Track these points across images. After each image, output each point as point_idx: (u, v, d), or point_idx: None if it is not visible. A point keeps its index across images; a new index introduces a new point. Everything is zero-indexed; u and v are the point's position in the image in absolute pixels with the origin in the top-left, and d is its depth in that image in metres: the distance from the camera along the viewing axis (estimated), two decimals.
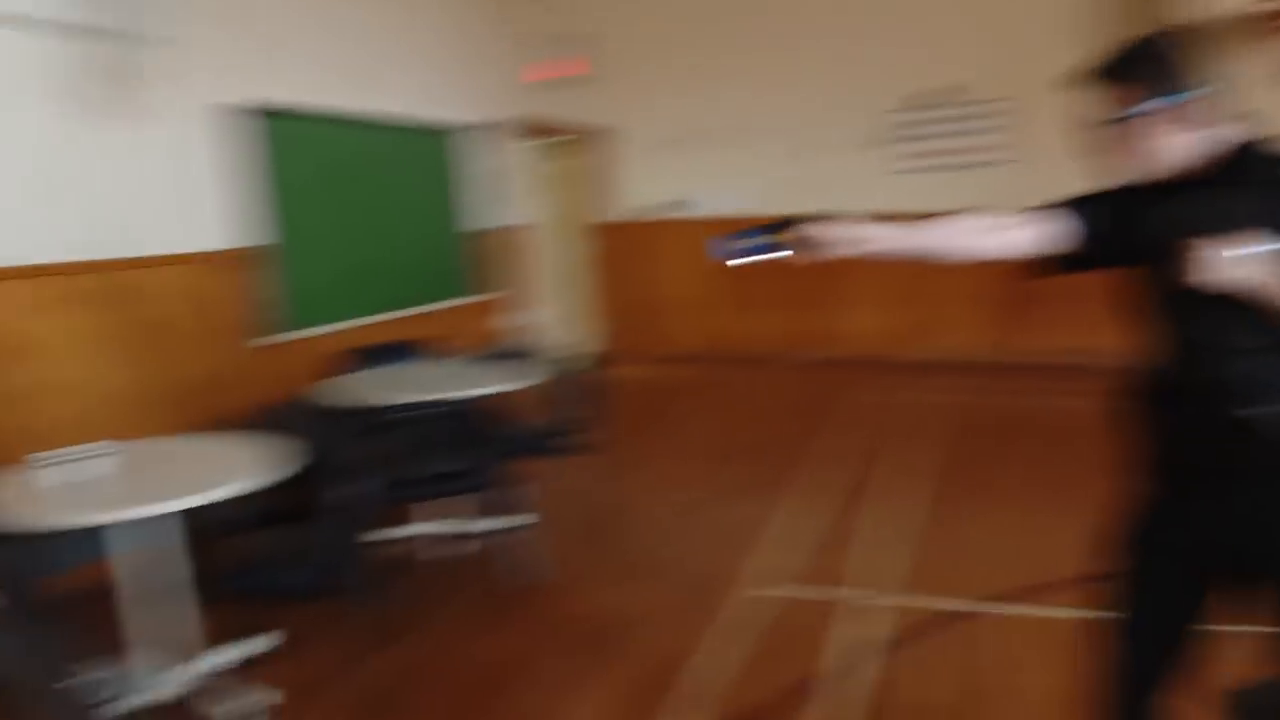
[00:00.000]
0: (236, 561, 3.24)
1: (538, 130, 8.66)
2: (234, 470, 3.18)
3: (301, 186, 5.79)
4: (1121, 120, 1.98)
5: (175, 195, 4.99)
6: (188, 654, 3.30)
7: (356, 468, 3.12)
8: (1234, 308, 1.89)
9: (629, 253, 9.76)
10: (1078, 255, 2.11)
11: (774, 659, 3.44)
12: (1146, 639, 2.23)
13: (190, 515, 3.15)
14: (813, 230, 2.06)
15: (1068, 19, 7.45)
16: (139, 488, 3.14)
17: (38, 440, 3.91)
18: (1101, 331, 8.13)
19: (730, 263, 2.11)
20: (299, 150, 5.79)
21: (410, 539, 4.75)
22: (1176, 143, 1.96)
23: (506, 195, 8.19)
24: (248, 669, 3.44)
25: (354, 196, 6.26)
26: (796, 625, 3.71)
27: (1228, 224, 1.84)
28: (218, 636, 3.39)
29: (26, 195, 4.27)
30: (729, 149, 9.31)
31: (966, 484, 5.31)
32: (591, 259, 9.93)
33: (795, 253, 2.06)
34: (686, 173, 9.44)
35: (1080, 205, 2.12)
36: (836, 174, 9.05)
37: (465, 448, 4.07)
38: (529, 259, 8.56)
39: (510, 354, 6.73)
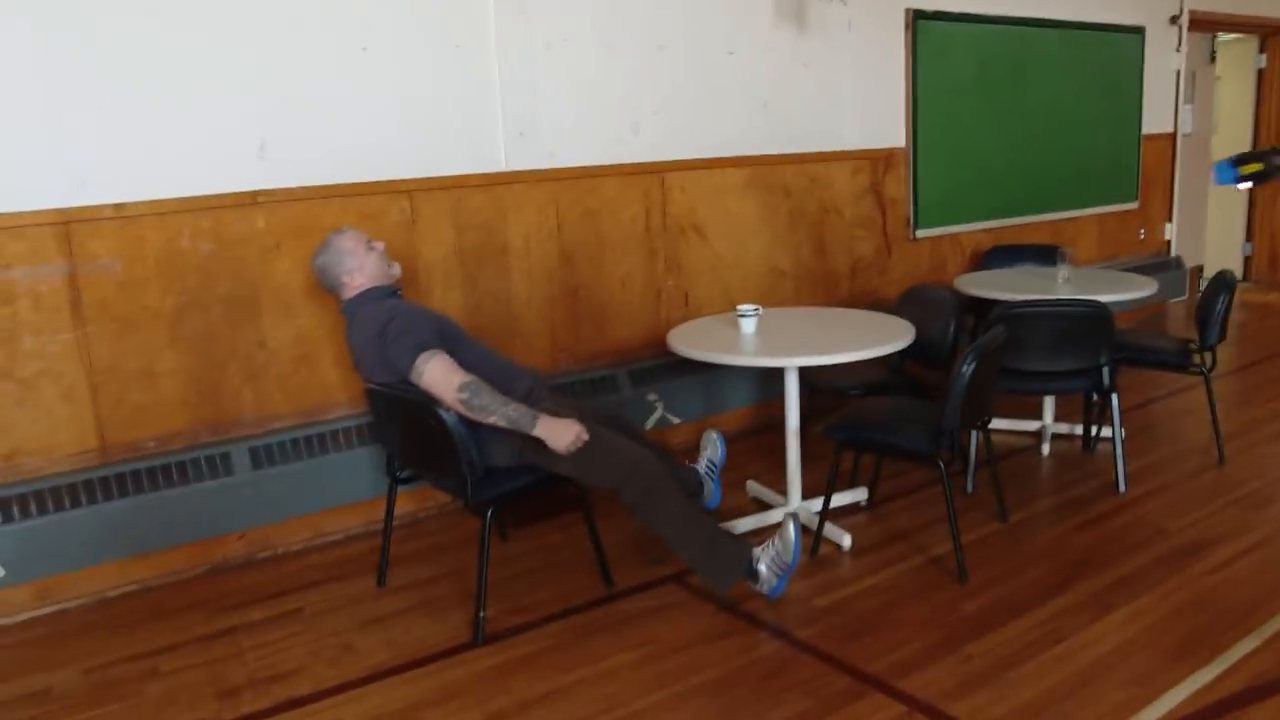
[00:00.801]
0: (848, 418, 3.83)
1: (1210, 25, 8.02)
2: (859, 340, 3.80)
3: (954, 90, 6.08)
4: None
5: (847, 98, 5.62)
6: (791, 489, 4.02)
7: (975, 356, 3.48)
8: None
9: None
10: None
11: None
12: None
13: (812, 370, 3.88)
14: None
15: None
16: (785, 345, 3.87)
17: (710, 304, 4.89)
18: None
19: (1220, 183, 2.14)
20: (954, 54, 6.07)
21: (1020, 432, 5.09)
22: None
23: (1180, 99, 7.78)
24: (835, 512, 4.08)
25: (1014, 99, 6.42)
26: None
27: None
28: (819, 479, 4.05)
29: (738, 96, 5.15)
30: None
31: None
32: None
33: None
34: None
35: None
36: None
37: (1085, 351, 4.23)
38: (1185, 169, 8.07)
39: (1151, 266, 6.62)
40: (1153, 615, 3.29)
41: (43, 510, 3.54)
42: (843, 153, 5.59)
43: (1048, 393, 4.65)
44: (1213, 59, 8.46)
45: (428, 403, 3.18)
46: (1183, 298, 8.11)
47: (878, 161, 5.77)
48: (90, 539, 3.61)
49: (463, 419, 3.19)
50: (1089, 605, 3.37)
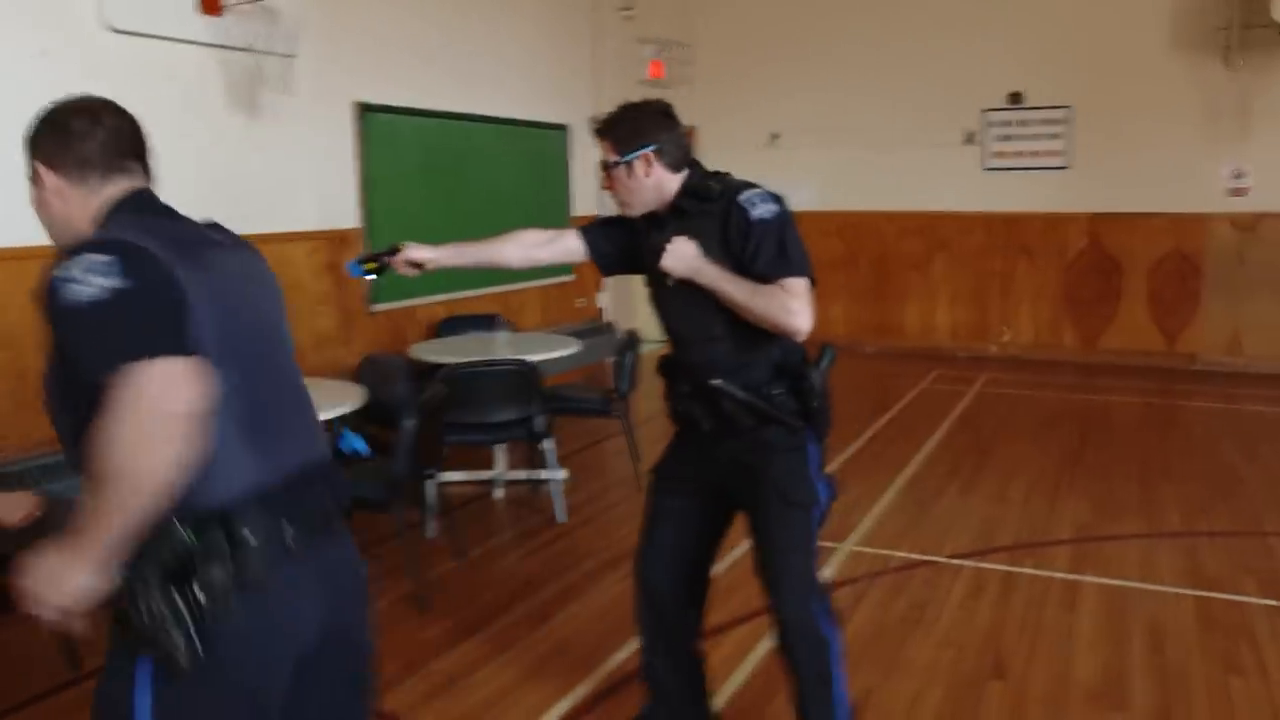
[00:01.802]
0: None
1: None
2: (316, 404, 4.10)
3: (403, 175, 6.63)
4: (608, 166, 2.59)
5: (303, 182, 5.93)
6: None
7: (418, 411, 3.92)
8: (693, 309, 2.52)
9: None
10: (602, 265, 2.81)
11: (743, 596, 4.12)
12: (660, 561, 2.77)
13: None
14: (407, 252, 2.75)
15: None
16: None
17: None
18: (1148, 336, 8.67)
19: (352, 276, 2.83)
20: (401, 143, 6.64)
21: (474, 481, 5.65)
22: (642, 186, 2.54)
23: (600, 187, 9.00)
24: None
25: (457, 184, 7.09)
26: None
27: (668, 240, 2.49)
28: None
29: (194, 181, 5.24)
30: (810, 149, 9.90)
31: (987, 463, 5.92)
32: None
33: (393, 266, 2.76)
34: (768, 170, 10.00)
35: (592, 228, 2.82)
36: (917, 172, 9.64)
37: (518, 402, 4.86)
38: None
39: (588, 331, 7.60)
40: (580, 619, 3.92)
41: None
42: (301, 232, 5.89)
43: (492, 442, 5.24)
44: None
45: None
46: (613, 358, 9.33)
47: (335, 241, 6.13)
48: None
49: None
50: (532, 617, 3.93)
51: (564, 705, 3.26)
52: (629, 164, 2.52)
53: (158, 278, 1.50)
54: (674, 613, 2.80)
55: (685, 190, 2.55)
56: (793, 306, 2.39)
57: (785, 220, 2.45)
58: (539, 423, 4.95)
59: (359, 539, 4.17)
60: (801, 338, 2.46)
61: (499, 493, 5.51)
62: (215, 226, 1.81)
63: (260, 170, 5.66)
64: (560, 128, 8.36)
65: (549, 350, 5.39)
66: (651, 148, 2.51)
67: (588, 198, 8.79)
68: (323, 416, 4.01)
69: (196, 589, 1.47)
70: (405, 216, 6.56)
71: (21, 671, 3.55)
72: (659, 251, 2.49)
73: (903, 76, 9.60)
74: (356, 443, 2.40)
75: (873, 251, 10.04)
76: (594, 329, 8.63)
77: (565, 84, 8.51)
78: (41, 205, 1.75)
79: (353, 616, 1.79)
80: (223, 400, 1.52)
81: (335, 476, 1.78)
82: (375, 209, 6.40)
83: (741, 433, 2.56)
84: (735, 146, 9.57)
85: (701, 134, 9.76)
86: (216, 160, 5.39)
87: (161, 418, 1.41)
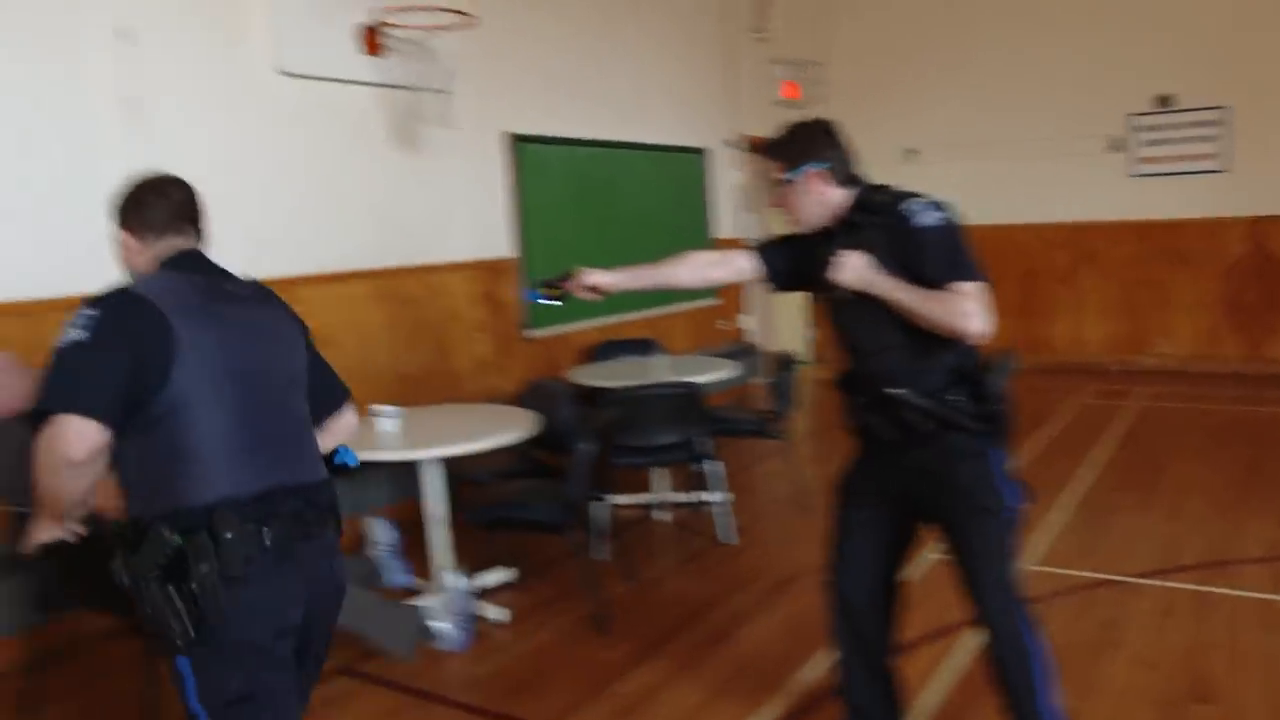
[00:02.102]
0: (488, 501, 4.23)
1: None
2: (490, 430, 4.20)
3: (554, 204, 6.77)
4: (776, 185, 2.66)
5: (460, 213, 6.10)
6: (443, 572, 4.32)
7: (590, 436, 3.99)
8: (867, 321, 2.54)
9: None
10: (774, 282, 2.84)
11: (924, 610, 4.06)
12: (852, 574, 2.78)
13: (452, 462, 4.23)
14: (582, 277, 2.85)
15: None
16: (425, 439, 4.19)
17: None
18: None
19: (530, 301, 3.02)
20: (552, 172, 6.78)
21: (637, 505, 5.70)
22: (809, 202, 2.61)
23: (741, 209, 9.06)
24: (488, 591, 4.44)
25: (604, 210, 7.21)
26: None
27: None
28: (470, 562, 4.39)
29: (360, 214, 5.48)
30: (948, 163, 9.75)
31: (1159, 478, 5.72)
32: None
33: (572, 291, 2.87)
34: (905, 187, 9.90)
35: (764, 247, 2.87)
36: (1060, 183, 9.41)
37: (682, 425, 4.89)
38: None
39: (733, 353, 7.61)
40: (762, 638, 3.91)
41: None
42: (459, 263, 6.05)
43: (657, 464, 5.28)
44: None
45: None
46: (762, 379, 9.28)
47: (491, 270, 6.28)
48: None
49: None
50: (713, 636, 3.94)
51: None
52: (796, 181, 2.60)
53: (127, 335, 1.91)
54: (869, 626, 2.80)
55: (853, 204, 2.60)
56: (967, 309, 2.40)
57: (953, 226, 2.49)
58: (703, 445, 4.97)
59: (535, 560, 4.26)
60: (979, 341, 2.46)
61: (661, 515, 5.55)
62: (243, 283, 2.20)
63: (420, 202, 5.84)
64: (699, 151, 8.43)
65: (707, 373, 5.40)
66: (817, 165, 2.58)
67: (727, 219, 8.83)
68: (498, 443, 4.12)
69: (192, 584, 1.88)
70: (557, 244, 6.68)
71: None
72: (831, 266, 2.54)
73: (1041, 85, 9.39)
74: (349, 457, 2.56)
75: (1017, 266, 9.81)
76: (739, 351, 8.63)
77: (702, 108, 8.58)
78: (120, 258, 2.22)
79: (328, 604, 2.15)
80: (210, 424, 1.95)
81: (320, 494, 2.11)
82: (530, 238, 6.53)
83: (924, 441, 2.57)
84: (871, 163, 9.28)
85: None
86: (378, 194, 5.60)
87: (60, 461, 1.87)
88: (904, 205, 2.50)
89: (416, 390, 5.59)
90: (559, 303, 2.94)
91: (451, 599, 3.72)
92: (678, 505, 5.65)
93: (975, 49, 9.66)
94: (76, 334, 1.90)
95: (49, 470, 1.90)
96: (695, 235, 8.23)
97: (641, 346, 6.49)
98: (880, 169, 9.35)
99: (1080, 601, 4.09)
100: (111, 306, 1.94)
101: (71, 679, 3.82)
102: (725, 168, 8.85)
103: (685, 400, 4.89)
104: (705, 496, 5.34)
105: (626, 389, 4.87)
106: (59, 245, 4.20)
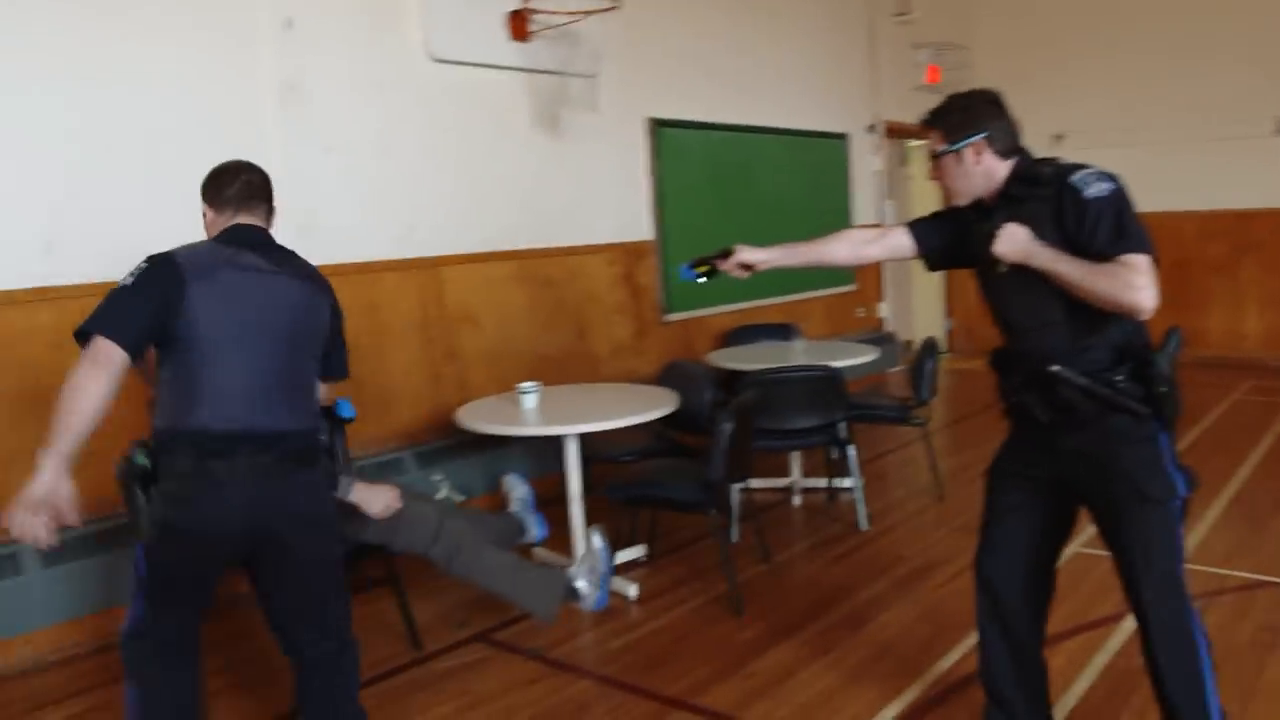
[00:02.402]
0: (626, 479, 4.28)
1: (902, 134, 9.28)
2: (629, 409, 4.26)
3: (693, 188, 6.77)
4: (934, 158, 2.61)
5: (601, 196, 6.18)
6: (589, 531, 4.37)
7: (729, 417, 3.99)
8: (1027, 296, 2.48)
9: None
10: (929, 259, 2.80)
11: (1069, 603, 3.94)
12: (1002, 560, 2.71)
13: (588, 441, 4.33)
14: (739, 255, 2.89)
15: None
16: (564, 415, 4.26)
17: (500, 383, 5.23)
18: None
19: (684, 279, 2.98)
20: (691, 157, 6.78)
21: (774, 488, 5.68)
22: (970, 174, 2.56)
23: (881, 194, 8.92)
24: (619, 567, 4.49)
25: (743, 194, 7.18)
26: (1093, 579, 4.16)
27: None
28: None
29: (503, 196, 5.60)
30: (1098, 149, 9.40)
31: None
32: None
33: (725, 269, 2.90)
34: None
35: (919, 223, 2.81)
36: (1219, 168, 8.98)
37: (821, 409, 4.86)
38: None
39: (869, 340, 7.51)
40: (898, 625, 3.86)
41: None
42: (598, 245, 6.12)
43: (795, 448, 5.25)
44: (904, 161, 9.70)
45: None
46: (898, 368, 9.15)
47: (629, 253, 6.34)
48: None
49: None
50: (849, 621, 3.91)
51: (892, 710, 3.21)
52: (958, 152, 2.53)
53: (156, 285, 2.43)
54: (1016, 615, 2.71)
55: (1015, 176, 2.52)
56: (1136, 283, 2.29)
57: (1122, 197, 2.39)
58: (842, 429, 4.93)
59: (665, 541, 4.23)
60: (1146, 315, 2.35)
61: (796, 499, 5.52)
62: (278, 256, 2.65)
63: (562, 186, 5.92)
64: (840, 136, 8.33)
65: (847, 358, 5.34)
66: (981, 135, 2.52)
67: (867, 206, 8.70)
68: (636, 420, 4.17)
69: (154, 491, 2.45)
70: (695, 227, 6.69)
71: (365, 650, 3.86)
72: (990, 239, 2.47)
73: (1199, 62, 8.94)
74: (345, 409, 2.76)
75: (1171, 255, 9.26)
76: (876, 338, 8.51)
77: (844, 93, 8.47)
78: (204, 226, 2.74)
79: (283, 526, 2.55)
80: (207, 365, 2.44)
81: (295, 441, 2.55)
82: (668, 221, 6.56)
83: (1084, 423, 2.47)
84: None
85: None
86: (523, 177, 5.69)
87: (82, 364, 2.32)
88: (1074, 177, 2.41)
89: (556, 371, 5.69)
90: (707, 279, 2.96)
91: (594, 557, 3.79)
92: (811, 490, 5.61)
93: (1126, 27, 9.28)
94: (124, 280, 2.44)
95: (70, 379, 2.32)
96: (835, 221, 8.13)
97: (780, 331, 6.46)
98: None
99: (1238, 602, 3.92)
100: (152, 263, 2.47)
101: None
102: (866, 154, 8.72)
103: (824, 384, 4.85)
104: (843, 482, 5.29)
105: (765, 371, 4.86)
106: None
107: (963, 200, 2.61)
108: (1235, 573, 4.18)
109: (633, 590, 4.28)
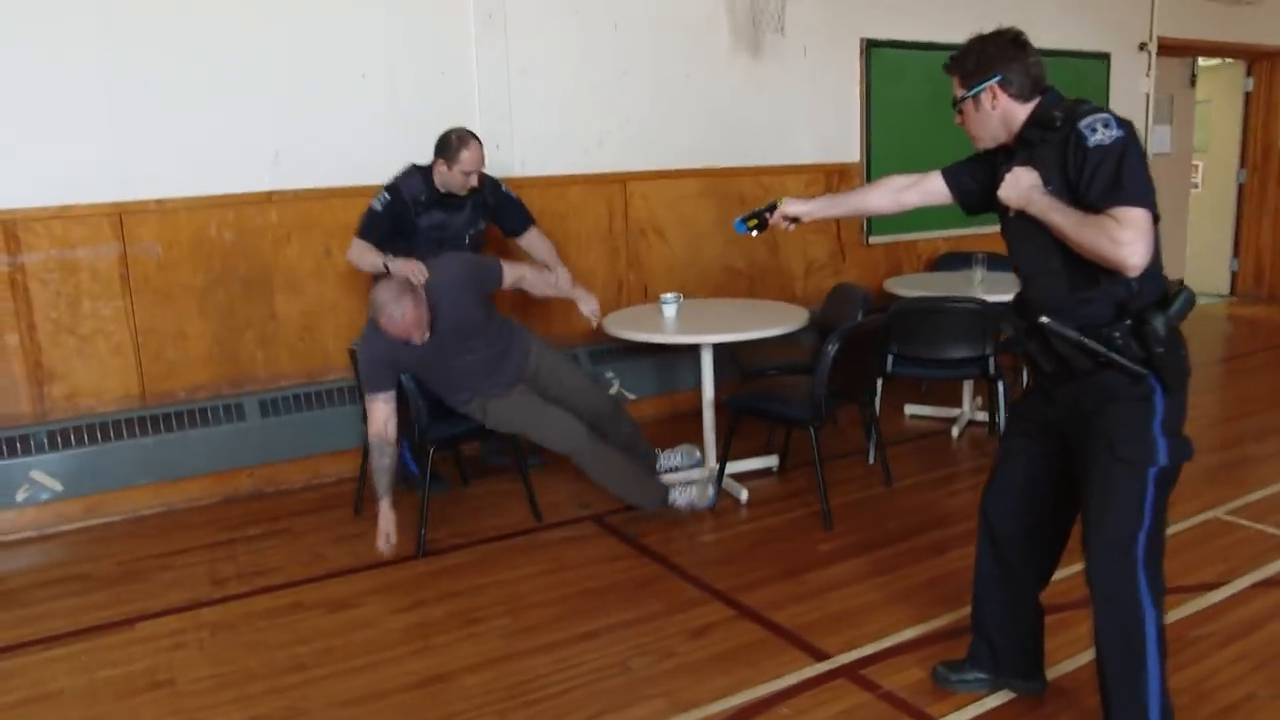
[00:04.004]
0: (749, 390, 4.60)
1: (1185, 51, 8.56)
2: (760, 324, 4.58)
3: (907, 110, 6.73)
4: (956, 103, 2.62)
5: (805, 117, 6.34)
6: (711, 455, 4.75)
7: (850, 339, 4.17)
8: (1030, 242, 2.47)
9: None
10: (964, 204, 2.81)
11: (1183, 564, 3.81)
12: (1003, 498, 2.76)
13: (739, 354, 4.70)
14: (785, 207, 2.98)
15: None
16: (700, 326, 4.63)
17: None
18: None
19: (739, 233, 3.08)
20: (907, 78, 6.73)
21: (937, 417, 5.77)
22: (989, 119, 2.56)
23: (1149, 120, 8.33)
24: (745, 475, 4.85)
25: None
26: (1222, 548, 4.03)
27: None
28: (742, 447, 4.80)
29: (700, 116, 5.93)
30: None
31: None
32: (1246, 190, 9.51)
33: (774, 221, 2.97)
34: None
35: (953, 168, 2.84)
36: None
37: (973, 341, 4.89)
38: (1161, 188, 8.57)
39: None
40: (965, 561, 3.88)
41: (94, 441, 4.47)
42: (798, 166, 6.31)
43: (943, 378, 5.31)
44: (1193, 82, 8.91)
45: None
46: None
47: (832, 174, 6.47)
48: (130, 467, 4.53)
49: (414, 378, 4.11)
50: (927, 549, 4.06)
51: (911, 634, 3.38)
52: (975, 98, 2.54)
53: (388, 209, 4.40)
54: (1015, 557, 2.76)
55: (1031, 120, 2.50)
56: (1122, 237, 2.21)
57: (1127, 146, 2.29)
58: (991, 363, 4.95)
59: (806, 455, 4.35)
60: (1133, 273, 2.26)
61: (956, 430, 5.58)
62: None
63: (762, 106, 6.15)
64: (1101, 56, 7.83)
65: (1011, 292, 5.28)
66: (996, 79, 2.50)
67: None
68: (762, 335, 4.49)
69: None
70: (904, 151, 6.68)
71: (492, 516, 4.51)
72: (999, 183, 2.49)
73: None
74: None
75: None
76: None
77: (1107, 6, 7.84)
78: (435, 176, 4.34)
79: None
80: None
81: None
82: (876, 144, 6.60)
83: (1079, 376, 2.46)
84: None
85: None
86: (718, 97, 5.96)
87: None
88: (1083, 123, 2.33)
89: (744, 285, 6.03)
90: (758, 232, 3.06)
91: (704, 467, 4.25)
92: (978, 424, 5.65)
93: None
94: (374, 203, 4.30)
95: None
96: None
97: (979, 260, 6.39)
98: None
99: None
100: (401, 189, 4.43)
101: None
102: (1135, 75, 8.14)
103: (974, 316, 4.88)
104: (987, 415, 5.31)
105: (914, 299, 4.96)
106: (419, 137, 5.02)
107: (987, 144, 2.63)
108: None
109: (744, 495, 4.64)
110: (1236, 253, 9.56)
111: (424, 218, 4.47)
